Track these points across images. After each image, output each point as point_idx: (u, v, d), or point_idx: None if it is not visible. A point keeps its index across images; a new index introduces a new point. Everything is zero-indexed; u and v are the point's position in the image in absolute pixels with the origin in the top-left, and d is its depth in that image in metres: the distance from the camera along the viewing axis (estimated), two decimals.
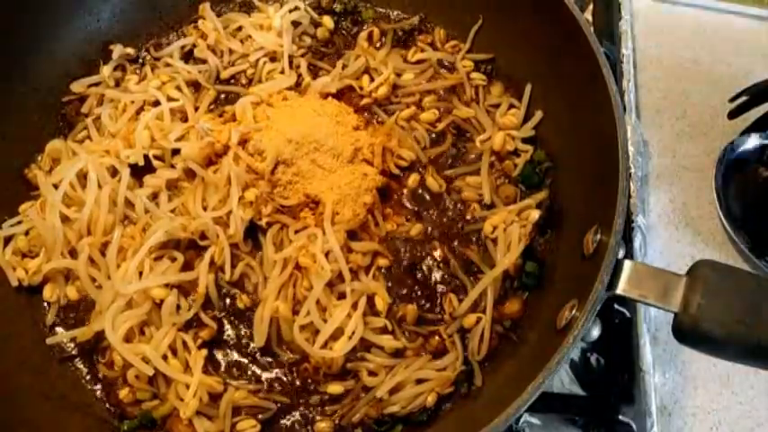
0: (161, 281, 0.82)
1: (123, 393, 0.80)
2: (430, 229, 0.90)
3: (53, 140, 0.95)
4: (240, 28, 1.04)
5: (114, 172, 0.91)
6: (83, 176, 0.89)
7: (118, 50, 1.01)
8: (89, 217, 0.87)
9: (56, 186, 0.88)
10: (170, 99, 0.96)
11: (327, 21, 1.06)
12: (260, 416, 0.79)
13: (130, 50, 1.02)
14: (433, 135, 0.96)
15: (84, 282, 0.85)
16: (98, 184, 0.88)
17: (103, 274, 0.85)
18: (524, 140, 0.94)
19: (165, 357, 0.80)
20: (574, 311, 0.68)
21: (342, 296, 0.82)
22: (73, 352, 0.84)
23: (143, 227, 0.87)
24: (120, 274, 0.83)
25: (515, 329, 0.81)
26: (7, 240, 0.89)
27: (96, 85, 1.00)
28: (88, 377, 0.83)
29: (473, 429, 0.63)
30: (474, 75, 1.00)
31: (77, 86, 0.99)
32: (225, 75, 1.01)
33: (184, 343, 0.81)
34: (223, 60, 1.02)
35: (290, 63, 1.00)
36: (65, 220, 0.87)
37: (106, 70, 1.00)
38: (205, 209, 0.87)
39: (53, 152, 0.94)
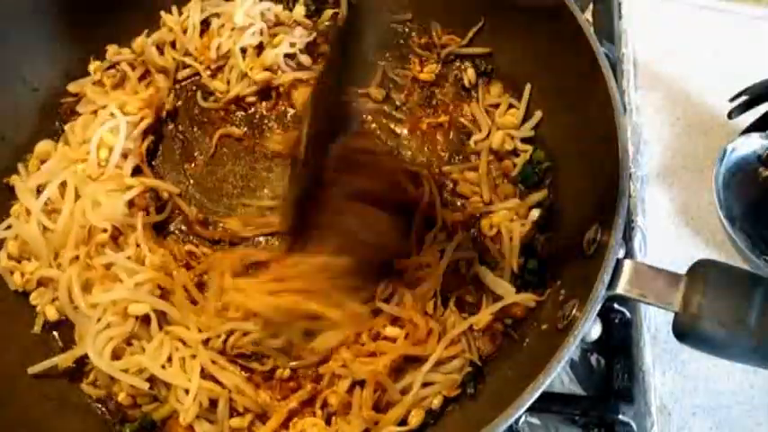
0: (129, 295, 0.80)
1: (122, 397, 0.79)
2: None
3: (42, 142, 0.94)
4: (206, 21, 1.03)
5: None
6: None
7: (113, 51, 1.01)
8: (63, 228, 0.85)
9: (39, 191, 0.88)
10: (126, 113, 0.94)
11: (299, 10, 1.05)
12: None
13: (127, 51, 1.02)
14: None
15: (62, 301, 0.82)
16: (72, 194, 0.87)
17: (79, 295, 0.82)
18: (523, 140, 0.94)
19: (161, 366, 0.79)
20: (574, 311, 0.68)
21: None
22: None
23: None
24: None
25: (516, 328, 0.81)
26: (1, 244, 0.88)
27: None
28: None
29: (473, 429, 0.63)
30: (469, 71, 1.01)
31: (74, 87, 0.99)
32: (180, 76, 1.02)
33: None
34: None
35: None
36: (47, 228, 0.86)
37: (95, 67, 1.00)
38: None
39: (42, 154, 0.93)
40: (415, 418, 0.76)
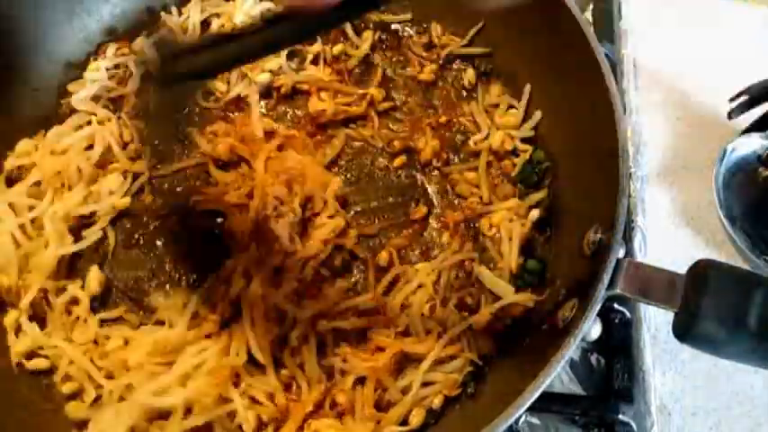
0: None
1: None
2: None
3: (22, 141, 0.93)
4: (206, 21, 1.03)
5: None
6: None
7: (111, 51, 1.01)
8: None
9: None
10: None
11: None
12: None
13: (126, 51, 1.02)
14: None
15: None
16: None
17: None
18: (523, 140, 0.94)
19: None
20: (574, 311, 0.68)
21: None
22: None
23: None
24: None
25: (516, 328, 0.81)
26: None
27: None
28: None
29: (473, 429, 0.63)
30: (469, 71, 1.01)
31: (74, 87, 0.99)
32: None
33: None
34: None
35: None
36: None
37: (95, 67, 0.99)
38: None
39: (22, 153, 0.92)
40: (416, 418, 0.76)
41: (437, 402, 0.77)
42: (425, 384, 0.77)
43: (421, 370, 0.77)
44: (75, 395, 0.80)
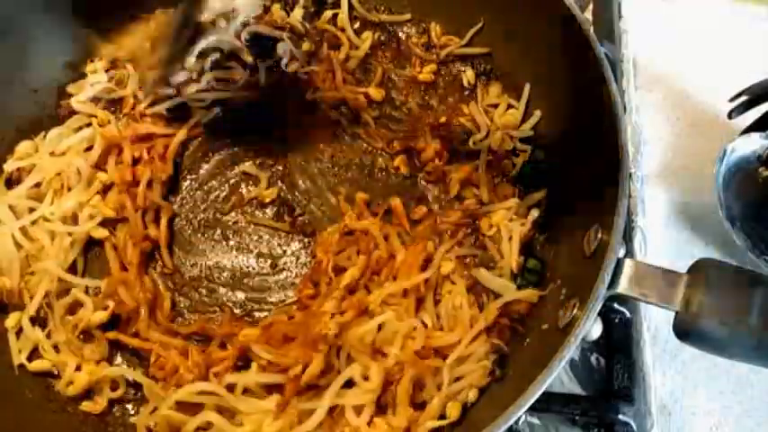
0: None
1: None
2: None
3: (23, 142, 0.93)
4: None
5: None
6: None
7: (109, 51, 1.01)
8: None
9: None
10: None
11: (297, 13, 1.05)
12: None
13: (125, 51, 1.02)
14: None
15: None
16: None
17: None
18: (523, 140, 0.94)
19: None
20: (574, 311, 0.68)
21: None
22: None
23: None
24: None
25: (519, 324, 0.81)
26: None
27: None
28: None
29: (474, 429, 0.63)
30: (468, 71, 1.01)
31: (74, 87, 0.99)
32: None
33: None
34: None
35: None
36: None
37: (94, 67, 1.00)
38: None
39: (23, 155, 0.92)
40: (454, 411, 0.74)
41: (472, 396, 0.75)
42: (457, 379, 0.76)
43: (446, 365, 0.76)
44: (82, 397, 0.81)
